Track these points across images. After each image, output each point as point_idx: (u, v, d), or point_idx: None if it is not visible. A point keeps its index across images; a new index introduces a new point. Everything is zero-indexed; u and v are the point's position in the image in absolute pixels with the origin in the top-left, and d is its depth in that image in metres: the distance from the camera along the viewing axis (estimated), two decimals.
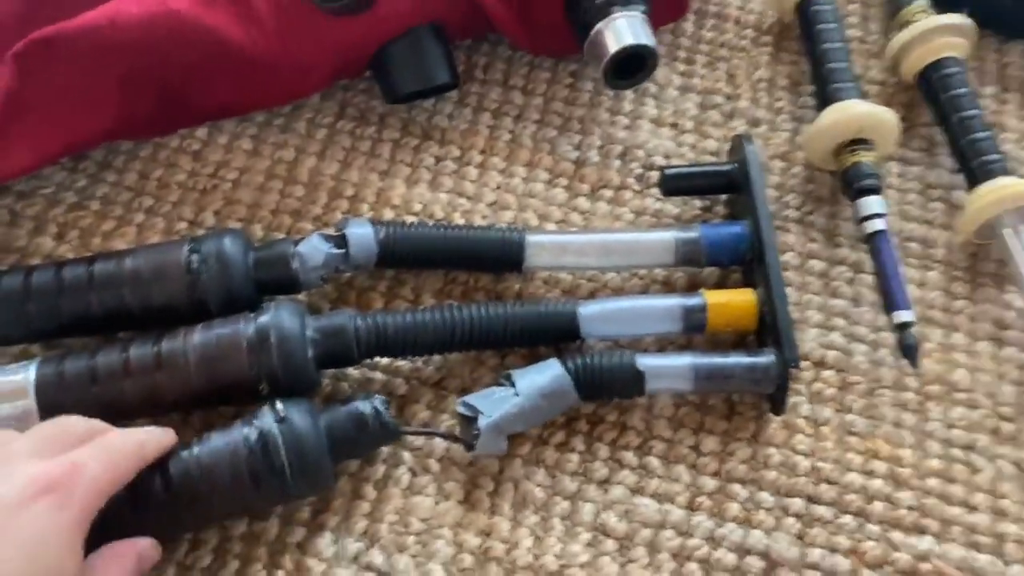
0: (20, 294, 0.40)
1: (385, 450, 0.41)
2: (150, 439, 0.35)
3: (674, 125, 0.50)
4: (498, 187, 0.48)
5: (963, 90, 0.48)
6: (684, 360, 0.41)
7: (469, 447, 0.39)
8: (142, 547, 0.34)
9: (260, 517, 0.39)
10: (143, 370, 0.38)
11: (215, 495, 0.36)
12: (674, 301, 0.42)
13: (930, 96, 0.49)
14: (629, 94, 0.51)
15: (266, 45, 0.43)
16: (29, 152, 0.43)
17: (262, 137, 0.48)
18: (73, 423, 0.35)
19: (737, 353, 0.41)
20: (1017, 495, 0.41)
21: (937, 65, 0.48)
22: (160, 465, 0.36)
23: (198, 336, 0.39)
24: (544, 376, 0.40)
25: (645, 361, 0.40)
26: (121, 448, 0.34)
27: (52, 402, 0.38)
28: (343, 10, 0.43)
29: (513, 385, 0.40)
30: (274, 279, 0.41)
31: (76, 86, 0.43)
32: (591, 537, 0.40)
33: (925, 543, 0.40)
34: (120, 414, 0.39)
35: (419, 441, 0.41)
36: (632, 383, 0.40)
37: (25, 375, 0.38)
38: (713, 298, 0.42)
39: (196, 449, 0.36)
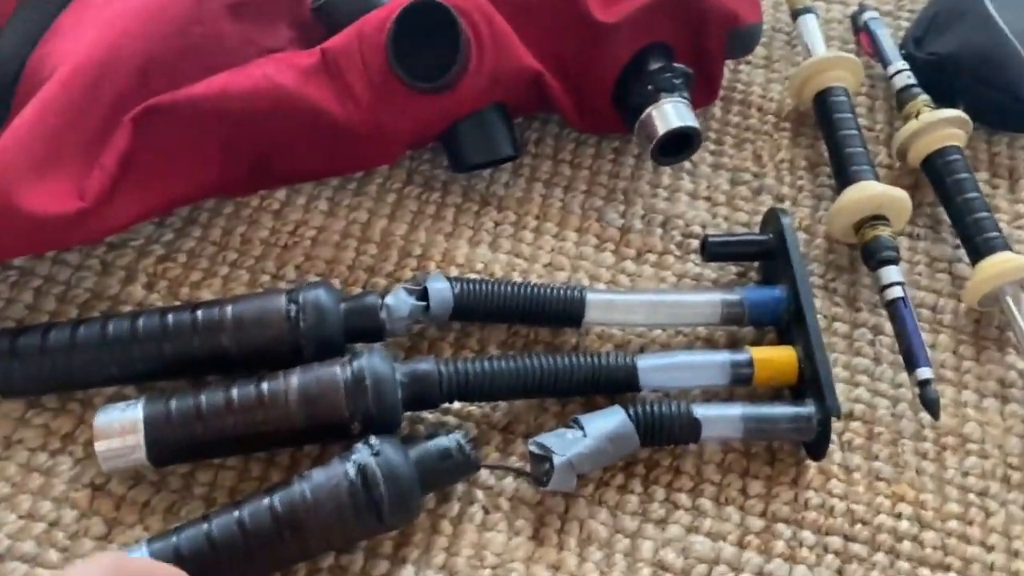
0: (127, 336, 0.43)
1: (460, 489, 0.44)
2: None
3: (708, 198, 0.56)
4: (552, 249, 0.53)
5: (965, 175, 0.54)
6: (735, 410, 0.45)
7: (540, 483, 0.43)
8: None
9: (346, 551, 0.42)
10: (246, 408, 0.41)
11: (319, 527, 0.39)
12: (724, 356, 0.46)
13: (935, 179, 0.55)
14: (667, 170, 0.56)
15: (359, 119, 0.47)
16: (135, 207, 0.46)
17: (337, 199, 0.52)
18: (139, 565, 0.34)
19: (781, 404, 0.46)
20: None
21: (941, 152, 0.54)
22: (269, 500, 0.39)
23: (297, 378, 0.42)
24: (610, 421, 0.44)
25: (701, 411, 0.44)
26: None
27: (159, 438, 0.41)
28: (431, 90, 0.47)
29: (582, 428, 0.43)
30: (362, 327, 0.45)
31: (182, 149, 0.46)
32: (651, 572, 0.43)
33: None
34: (223, 450, 0.42)
35: (491, 481, 0.45)
36: (689, 430, 0.44)
37: (135, 412, 0.41)
38: (759, 354, 0.46)
39: (300, 485, 0.39)
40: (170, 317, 0.43)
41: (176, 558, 0.37)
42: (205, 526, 0.38)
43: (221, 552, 0.38)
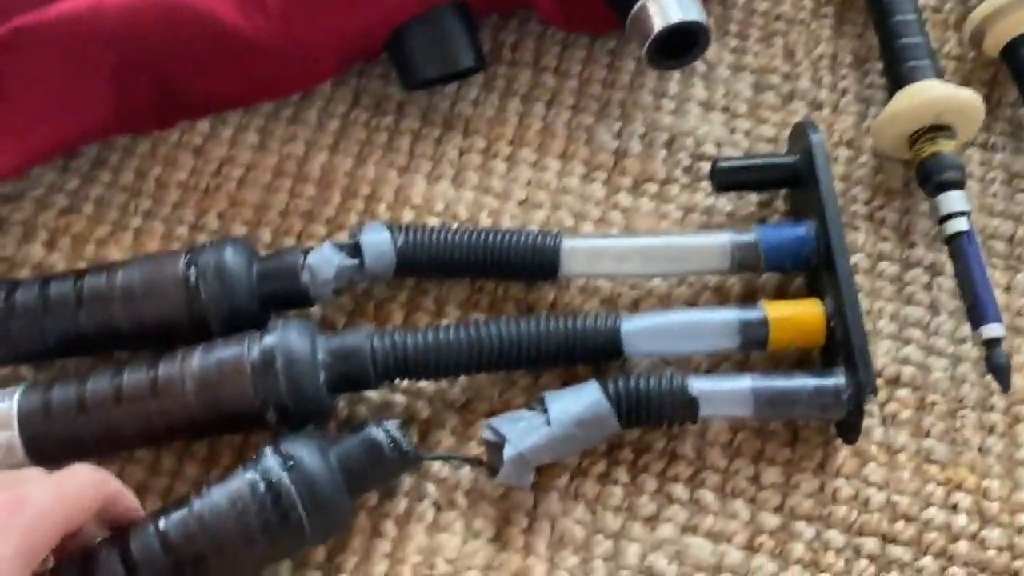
0: (3, 312, 0.36)
1: (407, 482, 0.37)
2: (113, 480, 0.32)
3: (726, 109, 0.45)
4: (529, 183, 0.43)
5: None
6: (743, 384, 0.36)
7: (493, 472, 0.35)
8: None
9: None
10: (137, 398, 0.35)
11: (223, 556, 0.32)
12: (731, 314, 0.37)
13: (1017, 72, 0.44)
14: (675, 75, 0.46)
15: (269, 29, 0.39)
16: (14, 152, 0.39)
17: (269, 130, 0.44)
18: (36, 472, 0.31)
19: (802, 374, 0.37)
20: None
21: None
22: (157, 527, 0.32)
23: (197, 360, 0.35)
24: (580, 402, 0.35)
25: (699, 385, 0.36)
26: (77, 483, 0.31)
27: (37, 433, 0.35)
28: None
29: (545, 411, 0.35)
30: (282, 293, 0.37)
31: (62, 79, 0.39)
32: None
33: None
34: (113, 445, 0.36)
35: (445, 472, 0.37)
36: (683, 409, 0.36)
37: (8, 404, 0.35)
38: (775, 311, 0.37)
39: (196, 505, 0.32)
40: (52, 288, 0.37)
41: None
42: (87, 565, 0.32)
43: None
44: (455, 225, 0.41)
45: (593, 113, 0.45)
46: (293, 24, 0.39)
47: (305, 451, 0.33)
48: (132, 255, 0.41)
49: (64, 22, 0.37)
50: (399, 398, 0.39)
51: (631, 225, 0.43)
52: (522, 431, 0.35)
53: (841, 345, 0.37)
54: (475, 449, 0.38)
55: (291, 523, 0.32)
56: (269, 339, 0.35)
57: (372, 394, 0.39)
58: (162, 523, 0.32)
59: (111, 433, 0.35)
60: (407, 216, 0.43)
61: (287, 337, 0.35)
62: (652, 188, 0.43)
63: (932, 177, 0.40)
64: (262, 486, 0.32)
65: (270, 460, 0.33)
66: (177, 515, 0.32)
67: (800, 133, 0.41)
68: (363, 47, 0.42)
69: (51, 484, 0.30)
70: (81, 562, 0.32)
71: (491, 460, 0.36)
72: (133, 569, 0.32)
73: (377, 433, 0.34)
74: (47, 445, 0.35)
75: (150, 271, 0.36)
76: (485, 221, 0.42)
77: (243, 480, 0.33)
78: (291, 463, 0.33)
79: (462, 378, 0.39)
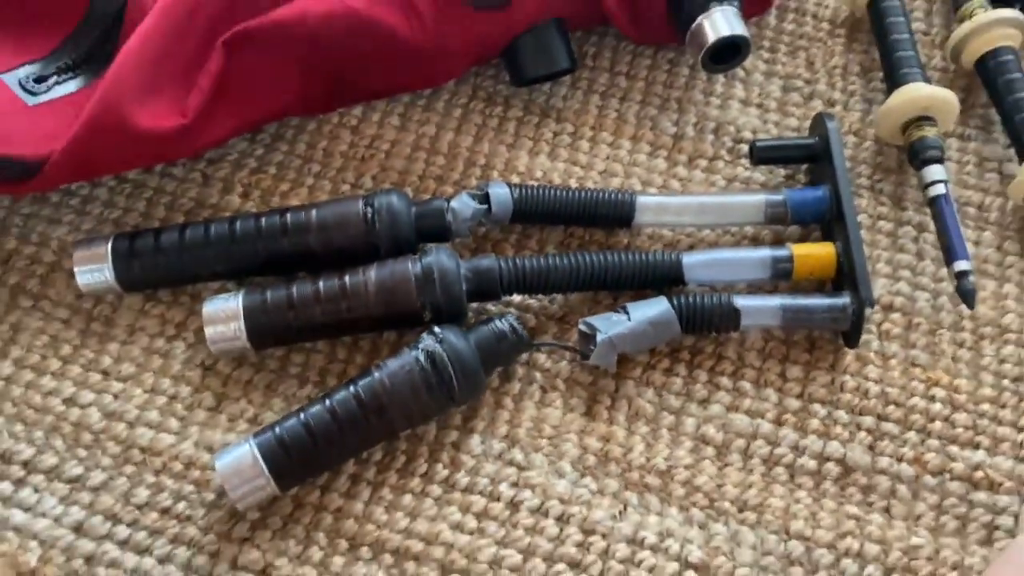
0: (227, 238, 0.49)
1: (520, 370, 0.49)
2: None
3: (760, 105, 0.58)
4: (607, 158, 0.56)
5: (1017, 75, 0.54)
6: (774, 301, 0.48)
7: (585, 357, 0.47)
8: None
9: (421, 424, 0.48)
10: (331, 299, 0.47)
11: (398, 408, 0.44)
12: (765, 252, 0.50)
13: (987, 81, 0.56)
14: (720, 78, 0.59)
15: (424, 37, 0.51)
16: (230, 123, 0.52)
17: (408, 115, 0.57)
18: None
19: (818, 295, 0.49)
20: None
21: (994, 53, 0.55)
22: (349, 388, 0.44)
23: (375, 272, 0.47)
24: (654, 308, 0.48)
25: (741, 301, 0.48)
26: None
27: (257, 324, 0.47)
28: (489, 7, 0.51)
29: (627, 313, 0.48)
30: (431, 229, 0.50)
31: (266, 71, 0.51)
32: (693, 445, 0.47)
33: (978, 456, 0.47)
34: (312, 335, 0.48)
35: (548, 364, 0.49)
36: (729, 319, 0.48)
37: (236, 301, 0.47)
38: (799, 250, 0.49)
39: (378, 374, 0.45)
40: (263, 220, 0.49)
41: (280, 446, 0.43)
42: (302, 416, 0.44)
43: (318, 438, 0.43)
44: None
45: (656, 107, 0.58)
46: (442, 32, 0.52)
47: (452, 334, 0.45)
48: None
49: (277, 27, 0.50)
50: (513, 312, 0.51)
51: (687, 190, 0.55)
52: (610, 323, 0.47)
53: (847, 277, 0.49)
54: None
55: (444, 380, 0.44)
56: (427, 259, 0.47)
57: (492, 308, 0.51)
58: (352, 387, 0.45)
59: (311, 324, 0.47)
60: (515, 180, 0.55)
61: (440, 258, 0.47)
62: (703, 163, 0.56)
63: (919, 154, 0.52)
64: (423, 355, 0.45)
65: (428, 339, 0.45)
66: (364, 380, 0.45)
67: (819, 122, 0.53)
68: (486, 52, 0.55)
69: None
70: None
71: (584, 348, 0.48)
72: (335, 415, 0.44)
73: (502, 323, 0.47)
74: (263, 332, 0.47)
75: (338, 209, 0.49)
76: (574, 185, 0.55)
77: (409, 354, 0.45)
78: (443, 341, 0.45)
79: (559, 297, 0.51)
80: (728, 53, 0.54)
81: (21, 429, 0.47)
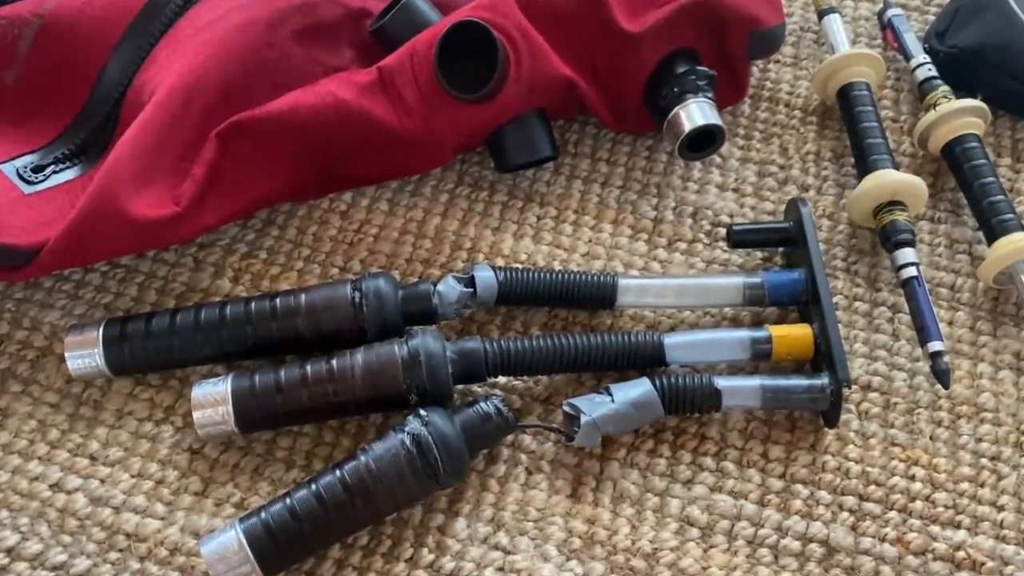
0: (217, 323, 0.50)
1: (505, 452, 0.50)
2: None
3: (736, 190, 0.60)
4: (590, 240, 0.58)
5: (982, 161, 0.57)
6: (754, 382, 0.49)
7: (570, 439, 0.48)
8: None
9: (407, 508, 0.48)
10: (318, 382, 0.47)
11: (384, 491, 0.45)
12: (744, 334, 0.51)
13: (954, 166, 0.58)
14: (698, 164, 0.61)
15: (412, 128, 0.53)
16: (221, 211, 0.53)
17: (396, 200, 0.59)
18: None
19: (797, 376, 0.50)
20: None
21: (960, 140, 0.57)
22: (335, 472, 0.45)
23: (361, 356, 0.48)
24: (636, 390, 0.49)
25: (722, 382, 0.49)
26: None
27: (245, 408, 0.48)
28: (475, 100, 0.53)
29: (611, 395, 0.48)
30: (417, 312, 0.51)
31: (258, 160, 0.53)
32: (678, 527, 0.48)
33: (960, 535, 0.47)
34: (299, 418, 0.49)
35: (533, 445, 0.50)
36: (711, 400, 0.49)
37: (224, 386, 0.48)
38: (777, 331, 0.51)
39: (364, 457, 0.45)
40: (253, 305, 0.50)
41: (267, 532, 0.43)
42: (288, 500, 0.45)
43: (304, 523, 0.44)
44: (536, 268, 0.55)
45: (636, 192, 0.60)
46: (429, 123, 0.54)
47: (437, 416, 0.46)
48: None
49: (270, 119, 0.52)
50: (498, 393, 0.52)
51: (667, 272, 0.57)
52: (593, 405, 0.48)
53: (824, 357, 0.50)
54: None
55: (430, 463, 0.45)
56: (413, 341, 0.48)
57: (477, 389, 0.52)
58: (338, 471, 0.45)
59: (298, 408, 0.48)
60: (499, 263, 0.57)
61: (426, 341, 0.48)
62: (682, 246, 0.58)
63: (890, 238, 0.54)
64: (408, 438, 0.45)
65: (413, 422, 0.46)
66: (350, 464, 0.45)
67: (793, 206, 0.55)
68: (471, 141, 0.57)
69: None
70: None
71: (568, 429, 0.49)
72: (321, 499, 0.44)
73: (488, 405, 0.47)
74: (251, 416, 0.48)
75: (326, 294, 0.50)
76: (557, 267, 0.57)
77: (395, 437, 0.46)
78: (428, 423, 0.46)
79: (544, 379, 0.52)
80: (704, 141, 0.56)
81: (6, 515, 0.47)
